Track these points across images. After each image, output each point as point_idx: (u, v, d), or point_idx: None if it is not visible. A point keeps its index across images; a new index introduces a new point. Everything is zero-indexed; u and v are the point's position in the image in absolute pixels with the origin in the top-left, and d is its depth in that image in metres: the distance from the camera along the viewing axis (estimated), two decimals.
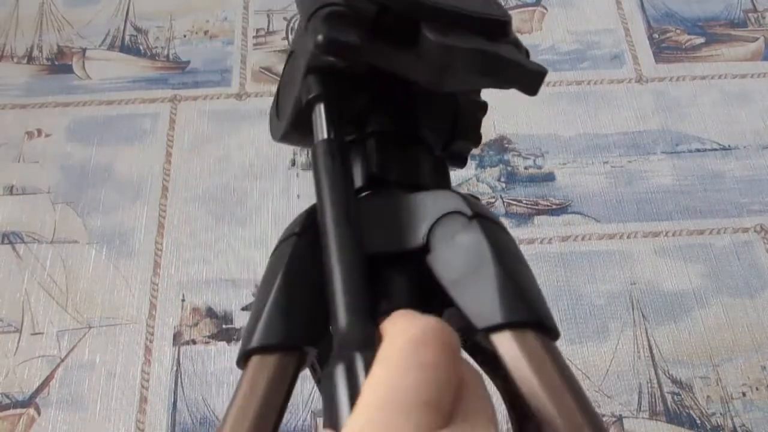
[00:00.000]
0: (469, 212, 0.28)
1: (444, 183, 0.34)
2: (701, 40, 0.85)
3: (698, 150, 0.78)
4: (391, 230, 0.29)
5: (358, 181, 0.32)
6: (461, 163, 0.38)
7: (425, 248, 0.28)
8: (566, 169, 0.76)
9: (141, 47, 0.86)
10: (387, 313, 0.28)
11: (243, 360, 0.27)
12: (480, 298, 0.26)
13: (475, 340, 0.28)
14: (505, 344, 0.25)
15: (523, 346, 0.25)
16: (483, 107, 0.38)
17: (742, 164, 0.77)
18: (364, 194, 0.32)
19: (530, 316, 0.26)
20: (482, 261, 0.27)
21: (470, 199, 0.29)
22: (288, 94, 0.34)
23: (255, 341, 0.27)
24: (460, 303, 0.26)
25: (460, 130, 0.37)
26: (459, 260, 0.27)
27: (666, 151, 0.78)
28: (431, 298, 0.29)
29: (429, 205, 0.29)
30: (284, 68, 0.36)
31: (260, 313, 0.27)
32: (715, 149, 0.78)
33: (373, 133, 0.33)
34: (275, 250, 0.30)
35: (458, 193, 0.30)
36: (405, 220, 0.29)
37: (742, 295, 0.69)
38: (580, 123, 0.79)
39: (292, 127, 0.34)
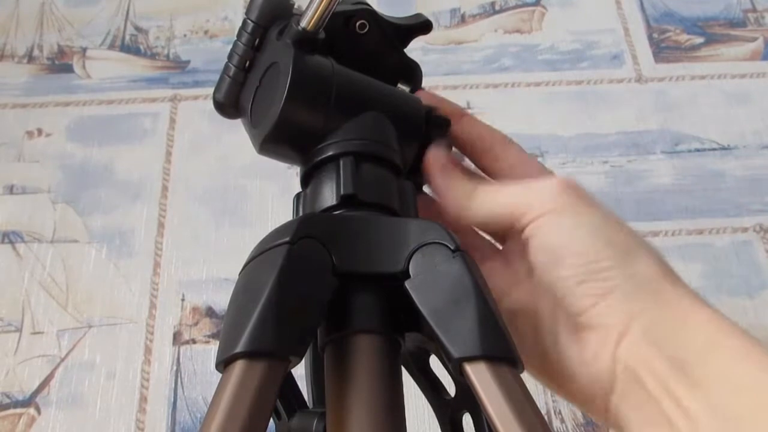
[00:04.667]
0: (452, 245, 0.30)
1: (409, 208, 0.34)
2: (701, 39, 0.86)
3: (698, 150, 0.78)
4: (368, 251, 0.30)
5: (332, 199, 0.32)
6: (422, 186, 0.39)
7: (404, 273, 0.29)
8: (566, 168, 0.77)
9: (141, 47, 0.86)
10: (354, 332, 0.29)
11: (225, 364, 0.27)
12: (460, 328, 0.27)
13: (447, 369, 0.29)
14: (480, 374, 0.27)
15: (498, 377, 0.27)
16: (447, 123, 0.39)
17: (742, 164, 0.77)
18: (337, 212, 0.32)
19: (506, 351, 0.28)
20: (465, 294, 0.28)
21: (451, 232, 0.30)
22: (264, 104, 0.35)
23: (242, 345, 0.26)
24: (438, 330, 0.28)
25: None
26: (441, 290, 0.29)
27: (665, 151, 0.78)
28: (397, 321, 0.30)
29: (411, 232, 0.30)
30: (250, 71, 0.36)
31: (247, 317, 0.27)
32: (715, 149, 0.78)
33: (348, 153, 0.33)
34: (259, 255, 0.29)
35: (440, 225, 0.31)
36: (384, 243, 0.30)
37: (741, 294, 0.69)
38: (580, 123, 0.80)
39: (271, 140, 0.34)
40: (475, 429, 0.31)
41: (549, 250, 0.33)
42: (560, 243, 0.32)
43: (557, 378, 0.34)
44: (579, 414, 0.63)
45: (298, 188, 0.36)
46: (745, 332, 0.30)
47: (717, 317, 0.31)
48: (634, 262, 0.32)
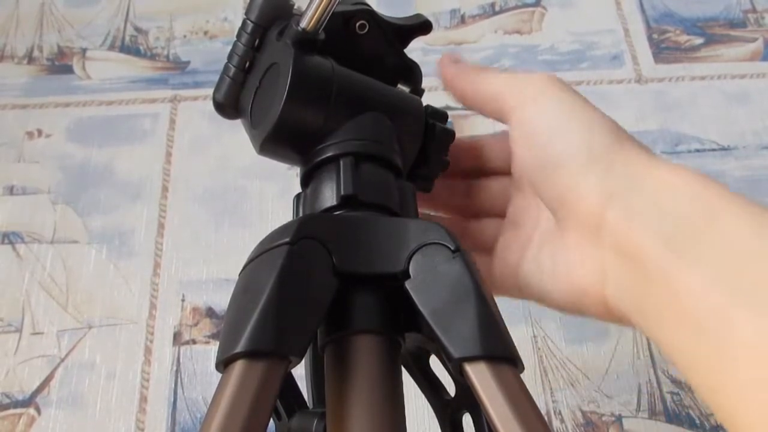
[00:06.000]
0: (452, 245, 0.30)
1: (409, 208, 0.34)
2: (700, 40, 0.86)
3: (697, 150, 0.78)
4: (368, 252, 0.30)
5: (332, 199, 0.32)
6: (427, 187, 0.39)
7: (405, 274, 0.29)
8: None
9: (141, 47, 0.86)
10: (355, 333, 0.29)
11: (225, 364, 0.27)
12: (460, 328, 0.28)
13: (447, 369, 0.30)
14: (480, 374, 0.27)
15: (498, 377, 0.27)
16: (452, 135, 0.39)
17: (742, 164, 0.77)
18: (337, 213, 0.32)
19: (506, 351, 0.28)
20: (465, 294, 0.28)
21: (451, 232, 0.30)
22: (264, 105, 0.35)
23: (242, 345, 0.26)
24: (438, 330, 0.28)
25: (428, 156, 0.38)
26: (441, 290, 0.29)
27: (665, 152, 0.78)
28: (397, 321, 0.30)
29: (411, 232, 0.31)
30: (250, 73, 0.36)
31: (247, 318, 0.27)
32: (714, 149, 0.78)
33: (348, 153, 0.33)
34: (260, 255, 0.30)
35: (440, 225, 0.31)
36: (384, 244, 0.30)
37: None
38: None
39: (272, 140, 0.34)
40: (475, 429, 0.31)
41: (529, 135, 0.34)
42: (540, 127, 0.34)
43: (544, 286, 0.34)
44: (579, 414, 0.63)
45: (298, 189, 0.36)
46: (738, 195, 0.28)
47: (700, 180, 0.30)
48: (596, 134, 0.33)
